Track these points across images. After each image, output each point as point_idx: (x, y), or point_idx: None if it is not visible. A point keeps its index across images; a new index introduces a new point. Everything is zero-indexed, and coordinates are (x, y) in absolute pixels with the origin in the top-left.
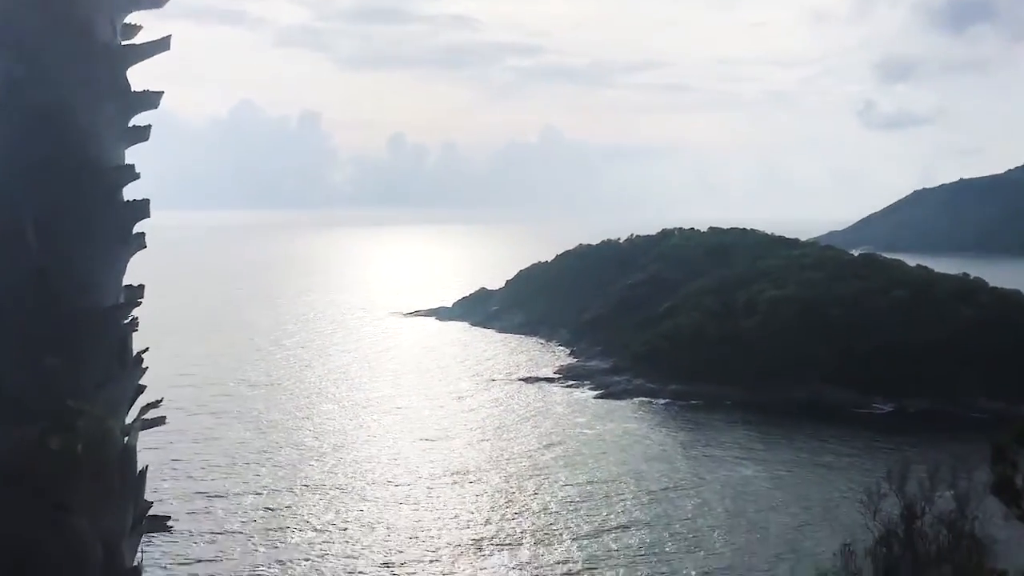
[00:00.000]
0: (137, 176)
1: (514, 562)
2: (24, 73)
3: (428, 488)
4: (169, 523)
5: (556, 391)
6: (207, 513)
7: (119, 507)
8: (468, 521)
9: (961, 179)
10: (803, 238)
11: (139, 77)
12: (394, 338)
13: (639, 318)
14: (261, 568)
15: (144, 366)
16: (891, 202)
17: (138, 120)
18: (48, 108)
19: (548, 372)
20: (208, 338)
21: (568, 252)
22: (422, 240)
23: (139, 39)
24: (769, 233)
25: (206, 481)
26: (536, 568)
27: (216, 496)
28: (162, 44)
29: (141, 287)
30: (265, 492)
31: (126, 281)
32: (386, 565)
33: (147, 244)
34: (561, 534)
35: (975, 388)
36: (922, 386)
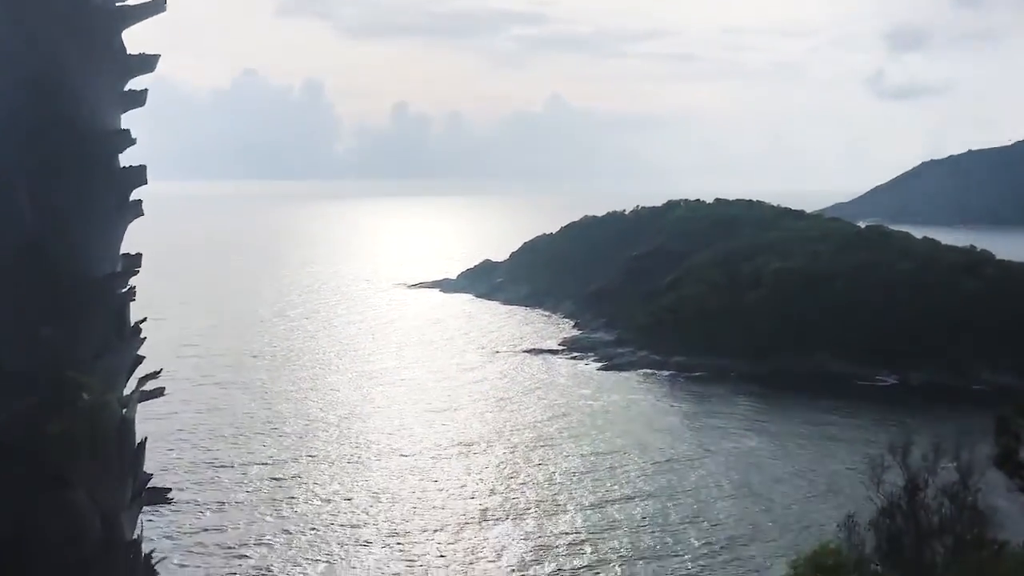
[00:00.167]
0: (133, 141)
1: (519, 532)
2: (13, 34)
3: (433, 459)
4: (171, 494)
5: (561, 363)
6: (213, 483)
7: (118, 480)
8: (473, 492)
9: (970, 150)
10: (809, 210)
11: (138, 46)
12: (398, 310)
13: (644, 290)
14: (267, 538)
15: (142, 336)
16: (899, 173)
17: (135, 84)
18: (39, 70)
19: (553, 344)
20: (212, 309)
21: (573, 224)
22: (426, 211)
23: (134, 0)
24: (775, 205)
25: (212, 451)
26: (541, 538)
27: (222, 466)
28: (158, 5)
29: (139, 256)
30: (271, 462)
31: (124, 250)
32: (392, 535)
33: (144, 212)
34: (566, 505)
35: (979, 361)
36: (926, 359)
